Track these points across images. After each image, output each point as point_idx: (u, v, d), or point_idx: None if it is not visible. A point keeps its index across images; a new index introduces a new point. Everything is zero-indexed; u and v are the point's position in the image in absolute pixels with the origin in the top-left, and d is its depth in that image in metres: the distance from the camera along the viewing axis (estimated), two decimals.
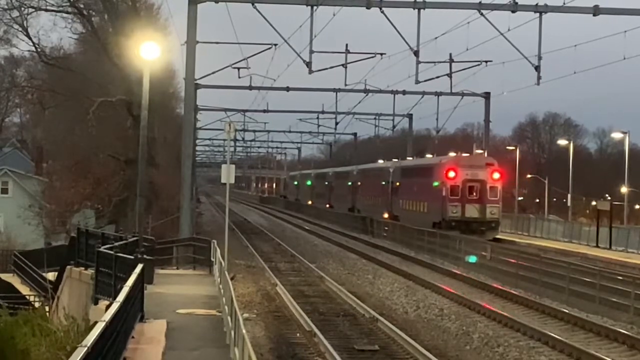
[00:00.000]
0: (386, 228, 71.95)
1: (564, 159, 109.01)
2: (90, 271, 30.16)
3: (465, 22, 52.63)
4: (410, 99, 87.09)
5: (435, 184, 65.55)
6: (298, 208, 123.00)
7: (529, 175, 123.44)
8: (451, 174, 63.51)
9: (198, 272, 37.81)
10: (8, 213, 73.57)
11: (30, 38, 54.93)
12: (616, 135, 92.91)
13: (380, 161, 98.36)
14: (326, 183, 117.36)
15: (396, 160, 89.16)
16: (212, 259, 35.76)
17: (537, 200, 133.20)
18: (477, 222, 62.45)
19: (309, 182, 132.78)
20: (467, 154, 72.74)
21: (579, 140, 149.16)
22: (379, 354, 25.36)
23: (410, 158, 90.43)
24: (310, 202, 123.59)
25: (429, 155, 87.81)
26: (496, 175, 63.60)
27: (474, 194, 63.07)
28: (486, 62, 62.82)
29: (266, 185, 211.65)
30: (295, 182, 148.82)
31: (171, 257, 41.12)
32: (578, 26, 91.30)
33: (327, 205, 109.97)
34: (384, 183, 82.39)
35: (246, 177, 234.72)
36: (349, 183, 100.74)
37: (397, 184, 78.06)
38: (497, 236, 62.39)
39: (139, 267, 22.49)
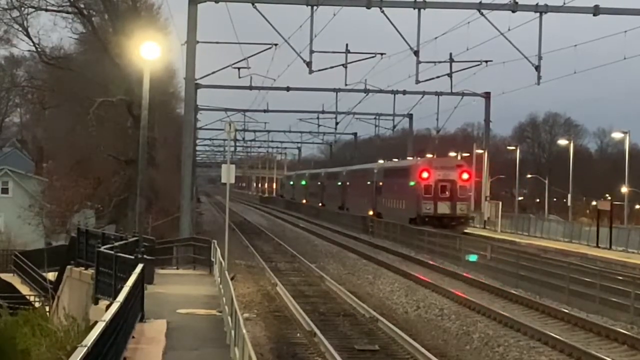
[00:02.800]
0: (371, 224, 75.86)
1: (564, 159, 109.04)
2: (91, 271, 30.14)
3: (466, 22, 52.72)
4: (411, 99, 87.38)
5: (412, 183, 70.89)
6: (298, 208, 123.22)
7: (529, 175, 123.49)
8: (425, 174, 69.15)
9: (198, 272, 37.79)
10: (8, 213, 73.48)
11: (30, 38, 54.93)
12: (616, 135, 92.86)
13: (381, 161, 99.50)
14: (319, 183, 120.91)
15: (383, 161, 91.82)
16: (212, 259, 35.75)
17: (538, 200, 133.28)
18: (448, 217, 68.03)
19: (303, 182, 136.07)
20: (439, 157, 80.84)
21: (579, 140, 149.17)
22: (379, 354, 25.36)
23: (411, 158, 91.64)
24: (304, 201, 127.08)
25: (429, 155, 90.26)
26: (465, 176, 69.59)
27: (446, 192, 68.60)
28: (486, 62, 62.94)
29: (266, 185, 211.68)
30: (291, 182, 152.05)
31: (171, 257, 41.09)
32: (578, 26, 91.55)
33: (320, 204, 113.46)
34: (369, 183, 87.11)
35: (246, 177, 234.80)
36: (339, 183, 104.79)
37: (380, 183, 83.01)
38: (466, 230, 67.33)
39: (139, 267, 22.49)
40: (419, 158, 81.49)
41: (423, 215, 68.06)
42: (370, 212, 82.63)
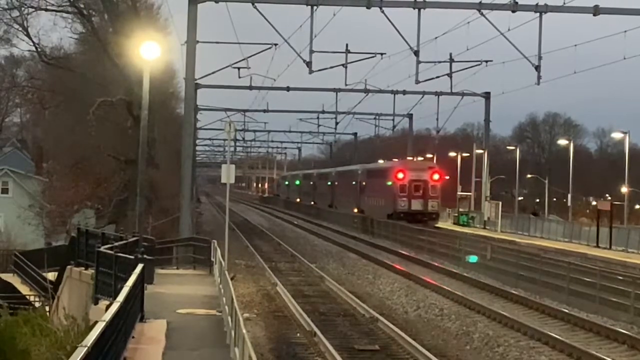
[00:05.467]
0: (355, 220, 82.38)
1: (564, 159, 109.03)
2: (91, 271, 30.12)
3: (466, 22, 52.81)
4: (411, 99, 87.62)
5: (389, 183, 78.61)
6: (298, 208, 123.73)
7: (529, 175, 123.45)
8: (400, 175, 76.98)
9: (198, 272, 37.77)
10: (8, 213, 73.51)
11: (30, 38, 54.91)
12: (616, 135, 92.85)
13: (381, 161, 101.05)
14: (311, 183, 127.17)
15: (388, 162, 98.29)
16: (212, 258, 35.74)
17: (537, 200, 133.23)
18: (421, 213, 75.67)
19: (297, 182, 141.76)
20: (413, 159, 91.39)
21: (579, 140, 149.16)
22: (379, 354, 25.37)
23: (407, 159, 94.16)
24: (298, 200, 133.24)
25: (429, 155, 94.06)
26: (436, 176, 77.39)
27: (419, 191, 76.36)
28: (486, 62, 63.05)
29: (266, 186, 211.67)
30: (286, 182, 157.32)
31: (171, 257, 41.06)
32: (578, 26, 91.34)
33: (312, 202, 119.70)
34: (354, 183, 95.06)
35: (246, 177, 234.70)
36: (329, 183, 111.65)
37: (363, 183, 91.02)
38: (437, 225, 74.91)
39: (139, 267, 22.46)
40: (394, 160, 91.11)
41: (399, 211, 75.69)
42: (355, 210, 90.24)
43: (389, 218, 74.96)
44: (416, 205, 75.96)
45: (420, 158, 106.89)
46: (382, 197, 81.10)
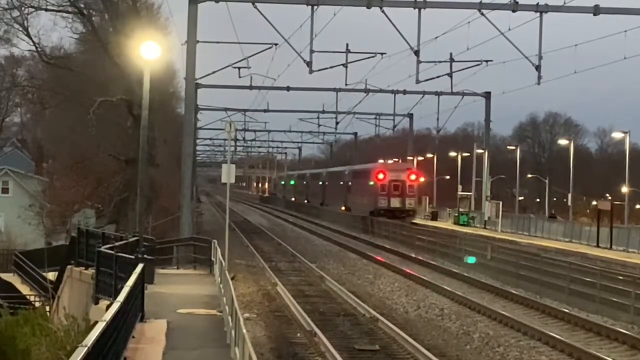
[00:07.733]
0: (355, 220, 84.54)
1: (564, 159, 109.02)
2: (91, 271, 30.09)
3: (466, 21, 52.80)
4: (411, 99, 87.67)
5: (371, 183, 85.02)
6: (298, 208, 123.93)
7: (529, 175, 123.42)
8: (380, 175, 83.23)
9: (198, 272, 37.77)
10: (8, 213, 73.49)
11: (30, 38, 54.71)
12: (617, 135, 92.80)
13: (381, 160, 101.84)
14: (304, 182, 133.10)
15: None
16: (212, 258, 35.73)
17: (538, 200, 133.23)
18: (399, 210, 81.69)
19: (292, 182, 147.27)
20: (392, 162, 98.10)
21: (580, 140, 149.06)
22: (380, 353, 25.36)
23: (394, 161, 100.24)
24: (293, 199, 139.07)
25: (429, 155, 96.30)
26: (413, 177, 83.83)
27: (398, 190, 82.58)
28: (486, 61, 62.98)
29: (267, 185, 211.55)
30: (282, 182, 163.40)
31: (172, 257, 41.05)
32: (578, 26, 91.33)
33: (306, 201, 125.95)
34: (341, 183, 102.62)
35: (247, 177, 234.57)
36: (320, 182, 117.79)
37: (350, 183, 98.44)
38: (414, 221, 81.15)
39: (140, 266, 22.46)
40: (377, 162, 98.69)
41: (379, 208, 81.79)
42: (343, 207, 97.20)
43: (371, 215, 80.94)
44: (395, 203, 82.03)
45: (420, 158, 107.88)
46: (365, 195, 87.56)
